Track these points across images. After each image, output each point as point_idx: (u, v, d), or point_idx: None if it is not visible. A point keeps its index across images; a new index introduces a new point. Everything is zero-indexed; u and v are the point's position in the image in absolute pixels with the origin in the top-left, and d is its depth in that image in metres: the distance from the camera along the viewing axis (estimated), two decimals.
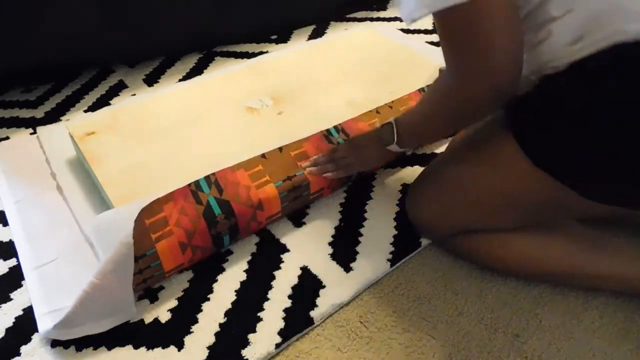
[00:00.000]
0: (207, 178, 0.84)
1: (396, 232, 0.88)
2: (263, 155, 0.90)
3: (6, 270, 0.83)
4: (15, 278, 0.82)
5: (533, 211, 0.72)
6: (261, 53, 1.46)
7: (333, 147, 0.92)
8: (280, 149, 0.92)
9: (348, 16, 1.69)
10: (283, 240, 0.88)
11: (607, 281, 0.75)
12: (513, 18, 0.58)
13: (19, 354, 0.71)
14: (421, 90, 1.10)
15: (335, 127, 0.98)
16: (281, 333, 0.73)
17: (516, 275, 0.80)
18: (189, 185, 0.83)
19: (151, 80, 1.35)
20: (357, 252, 0.85)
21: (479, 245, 0.79)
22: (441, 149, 1.07)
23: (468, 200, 0.75)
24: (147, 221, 0.76)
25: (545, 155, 0.64)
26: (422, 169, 1.01)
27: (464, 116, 0.70)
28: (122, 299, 0.72)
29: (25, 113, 1.23)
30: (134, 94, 1.29)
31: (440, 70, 1.13)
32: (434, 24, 1.63)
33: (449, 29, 0.59)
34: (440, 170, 0.82)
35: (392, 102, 1.06)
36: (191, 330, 0.73)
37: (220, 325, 0.74)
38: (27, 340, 0.73)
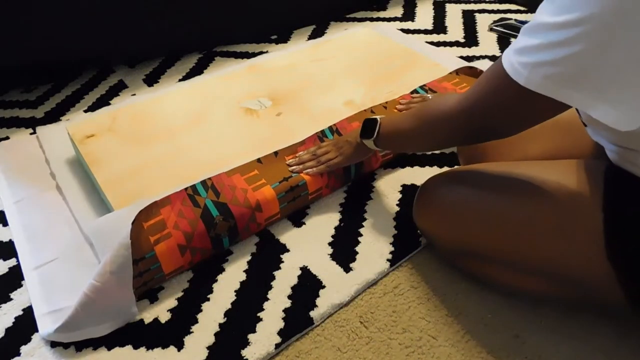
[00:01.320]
0: (203, 182, 0.84)
1: (396, 232, 0.88)
2: (259, 160, 0.90)
3: (6, 270, 0.83)
4: (15, 278, 0.82)
5: (567, 280, 0.66)
6: (261, 53, 1.46)
7: (319, 144, 0.94)
8: (276, 153, 0.92)
9: (348, 16, 1.69)
10: (283, 240, 0.88)
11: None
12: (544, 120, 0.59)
13: (19, 354, 0.71)
14: (414, 91, 1.10)
15: (329, 128, 0.98)
16: (281, 333, 0.73)
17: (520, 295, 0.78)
18: (186, 189, 0.83)
19: (151, 80, 1.35)
20: (357, 252, 0.85)
21: (490, 272, 0.75)
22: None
23: (504, 242, 0.69)
24: (145, 224, 0.76)
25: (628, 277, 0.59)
26: (422, 169, 1.01)
27: (445, 140, 0.73)
28: (123, 300, 0.72)
29: (25, 113, 1.23)
30: (134, 94, 1.29)
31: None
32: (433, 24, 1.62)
33: (508, 97, 0.55)
34: (473, 190, 0.73)
35: (387, 102, 1.06)
36: (191, 330, 0.73)
37: (220, 325, 0.74)
38: (27, 340, 0.73)
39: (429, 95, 1.06)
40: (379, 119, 0.80)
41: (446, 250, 0.80)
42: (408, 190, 0.96)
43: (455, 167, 0.85)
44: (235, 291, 0.79)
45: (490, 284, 0.79)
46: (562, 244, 0.64)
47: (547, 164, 0.70)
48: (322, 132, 0.98)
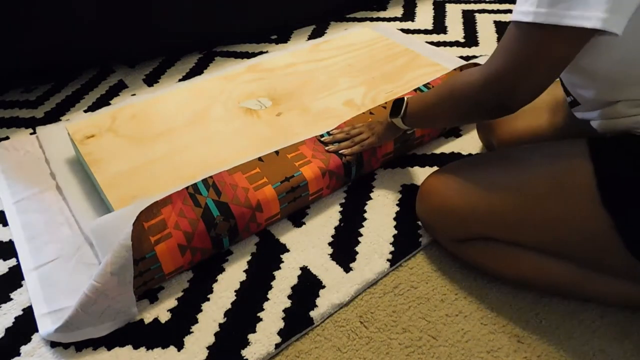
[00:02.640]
0: (204, 181, 0.84)
1: (396, 232, 0.88)
2: (260, 159, 0.90)
3: (6, 270, 0.83)
4: (15, 278, 0.82)
5: (573, 246, 0.69)
6: (261, 53, 1.46)
7: (351, 125, 0.98)
8: (277, 152, 0.92)
9: (348, 16, 1.69)
10: (283, 240, 0.88)
11: (607, 297, 0.75)
12: (558, 73, 0.61)
13: (19, 354, 0.71)
14: (417, 89, 1.10)
15: (328, 132, 0.99)
16: (281, 333, 0.73)
17: (520, 285, 0.79)
18: (187, 188, 0.83)
19: (151, 80, 1.35)
20: (357, 252, 0.85)
21: (489, 257, 0.77)
22: (440, 149, 1.07)
23: (504, 209, 0.71)
24: (146, 224, 0.76)
25: (622, 216, 0.63)
26: (422, 169, 1.01)
27: (466, 113, 0.74)
28: (123, 301, 0.72)
29: (25, 113, 1.23)
30: (134, 94, 1.29)
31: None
32: (434, 23, 1.63)
33: (522, 44, 0.59)
34: (477, 171, 0.77)
35: (386, 103, 1.06)
36: (191, 330, 0.73)
37: (220, 325, 0.74)
38: (27, 340, 0.73)
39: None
40: (406, 98, 0.83)
41: (449, 238, 0.81)
42: (408, 190, 0.96)
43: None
44: (235, 291, 0.79)
45: (492, 275, 0.79)
46: (559, 200, 0.67)
47: (534, 145, 0.75)
48: (321, 135, 0.98)
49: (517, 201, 0.70)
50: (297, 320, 0.74)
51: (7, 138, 1.13)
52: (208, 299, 0.78)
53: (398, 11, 1.72)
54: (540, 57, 0.59)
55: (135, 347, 0.71)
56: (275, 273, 0.82)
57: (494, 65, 0.64)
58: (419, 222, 0.88)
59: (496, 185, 0.73)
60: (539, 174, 0.70)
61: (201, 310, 0.76)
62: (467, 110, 0.72)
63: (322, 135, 0.97)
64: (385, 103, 1.06)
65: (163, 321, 0.75)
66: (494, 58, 0.64)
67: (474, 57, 1.41)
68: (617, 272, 0.71)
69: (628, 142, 0.64)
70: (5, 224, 0.92)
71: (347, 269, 0.82)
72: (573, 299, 0.77)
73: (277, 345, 0.71)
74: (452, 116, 0.79)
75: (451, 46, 1.49)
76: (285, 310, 0.76)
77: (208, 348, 0.71)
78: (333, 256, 0.84)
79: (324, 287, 0.79)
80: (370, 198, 0.95)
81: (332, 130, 0.98)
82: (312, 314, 0.75)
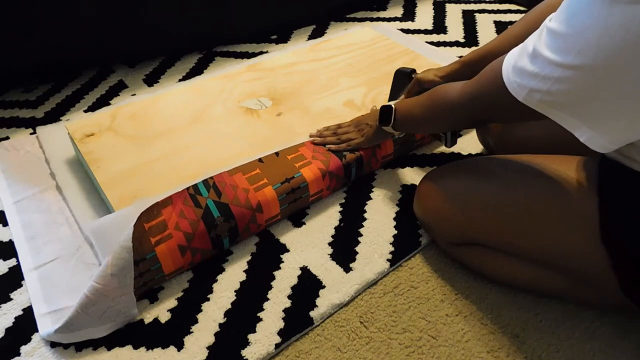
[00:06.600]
0: (205, 182, 0.84)
1: (396, 232, 0.88)
2: (260, 160, 0.90)
3: (6, 270, 0.83)
4: (15, 278, 0.82)
5: (567, 270, 0.69)
6: (261, 53, 1.46)
7: (338, 123, 0.99)
8: (277, 153, 0.92)
9: (348, 16, 1.69)
10: (283, 240, 0.88)
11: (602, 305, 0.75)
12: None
13: (18, 354, 0.71)
14: None
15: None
16: (281, 333, 0.73)
17: (519, 289, 0.79)
18: (188, 188, 0.83)
19: (151, 80, 1.35)
20: (357, 252, 0.85)
21: (484, 262, 0.78)
22: (440, 149, 1.07)
23: (500, 225, 0.72)
24: (147, 225, 0.76)
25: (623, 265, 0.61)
26: (422, 169, 1.01)
27: (452, 124, 0.77)
28: (124, 302, 0.72)
29: (25, 113, 1.23)
30: (134, 94, 1.29)
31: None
32: (433, 24, 1.63)
33: (504, 100, 0.58)
34: (477, 180, 0.76)
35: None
36: (191, 330, 0.73)
37: (220, 325, 0.74)
38: (27, 340, 0.73)
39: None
40: (393, 106, 0.83)
41: (445, 241, 0.81)
42: (408, 190, 0.96)
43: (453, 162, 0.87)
44: (235, 291, 0.79)
45: (488, 278, 0.79)
46: (558, 228, 0.66)
47: (543, 157, 0.74)
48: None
49: (514, 218, 0.70)
50: (297, 320, 0.74)
51: (7, 138, 1.13)
52: (208, 299, 0.78)
53: (398, 11, 1.72)
54: (518, 115, 0.59)
55: (135, 347, 0.71)
56: (275, 273, 0.82)
57: (468, 91, 0.65)
58: (419, 222, 0.88)
59: (495, 199, 0.72)
60: (541, 195, 0.68)
61: (201, 310, 0.76)
62: (452, 121, 0.75)
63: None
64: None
65: (163, 321, 0.75)
66: (474, 82, 0.65)
67: None
68: (610, 303, 0.71)
69: (636, 182, 0.60)
70: (5, 224, 0.92)
71: (347, 269, 0.82)
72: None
73: (277, 345, 0.71)
74: (440, 126, 0.81)
75: (451, 46, 1.49)
76: (285, 310, 0.76)
77: (208, 348, 0.71)
78: (333, 256, 0.84)
79: (324, 287, 0.79)
80: (370, 198, 0.95)
81: (320, 128, 0.99)
82: (312, 314, 0.75)
